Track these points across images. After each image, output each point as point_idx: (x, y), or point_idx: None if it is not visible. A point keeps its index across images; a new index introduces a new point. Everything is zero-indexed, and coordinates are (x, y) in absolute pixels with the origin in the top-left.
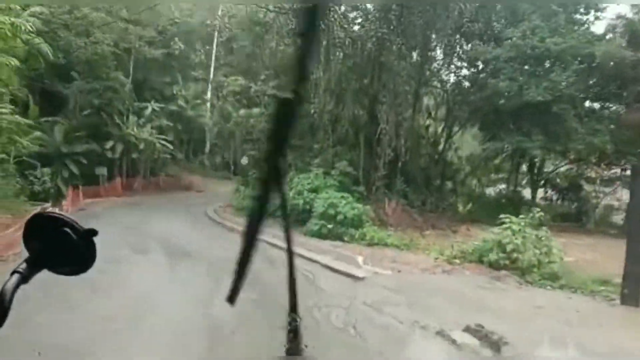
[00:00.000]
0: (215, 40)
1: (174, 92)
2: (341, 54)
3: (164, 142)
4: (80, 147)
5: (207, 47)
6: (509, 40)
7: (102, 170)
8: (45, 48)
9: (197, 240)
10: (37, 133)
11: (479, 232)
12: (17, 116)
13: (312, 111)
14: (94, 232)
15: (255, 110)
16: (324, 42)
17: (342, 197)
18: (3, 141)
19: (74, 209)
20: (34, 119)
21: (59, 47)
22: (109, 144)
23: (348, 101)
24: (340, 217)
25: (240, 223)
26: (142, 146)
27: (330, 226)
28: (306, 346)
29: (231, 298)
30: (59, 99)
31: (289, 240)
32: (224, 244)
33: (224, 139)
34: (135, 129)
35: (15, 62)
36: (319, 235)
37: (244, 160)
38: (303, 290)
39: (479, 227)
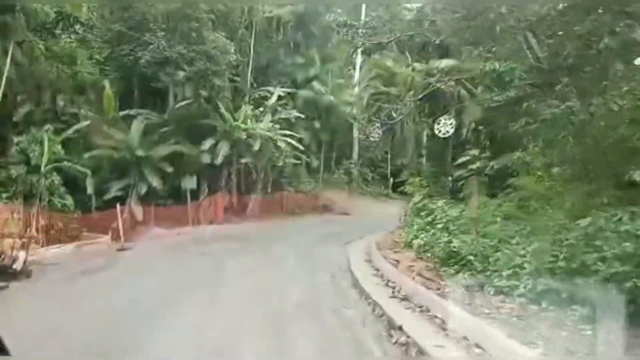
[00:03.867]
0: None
1: (310, 74)
2: None
3: (291, 141)
4: (164, 149)
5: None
6: None
7: (189, 183)
8: None
9: None
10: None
11: None
12: None
13: None
14: None
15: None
16: None
17: None
18: None
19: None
20: (110, 113)
21: None
22: (207, 144)
23: None
24: None
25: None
26: (257, 146)
27: None
28: None
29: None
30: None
31: None
32: None
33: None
34: (249, 122)
35: None
36: None
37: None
38: None
39: None
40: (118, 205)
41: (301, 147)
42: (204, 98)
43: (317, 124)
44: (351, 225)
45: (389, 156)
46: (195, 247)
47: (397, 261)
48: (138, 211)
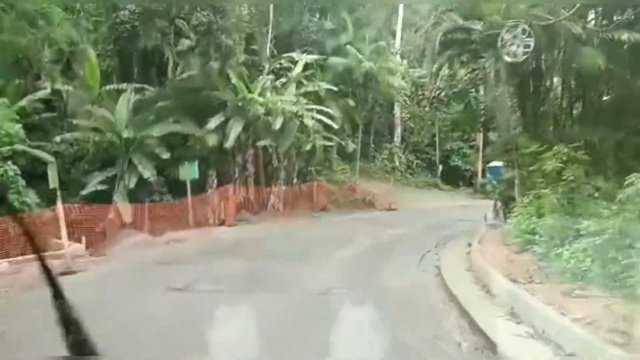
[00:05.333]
0: None
1: (342, 42)
2: None
3: (322, 117)
4: (160, 129)
5: None
6: None
7: (190, 172)
8: None
9: None
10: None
11: None
12: None
13: None
14: None
15: None
16: None
17: None
18: None
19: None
20: (94, 87)
21: None
22: (215, 122)
23: None
24: None
25: None
26: (278, 125)
27: None
28: None
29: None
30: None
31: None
32: None
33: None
34: (268, 95)
35: None
36: None
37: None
38: None
39: None
40: (59, 203)
41: (335, 126)
42: (214, 68)
43: (351, 102)
44: (408, 226)
45: (437, 139)
46: (176, 272)
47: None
48: (125, 210)
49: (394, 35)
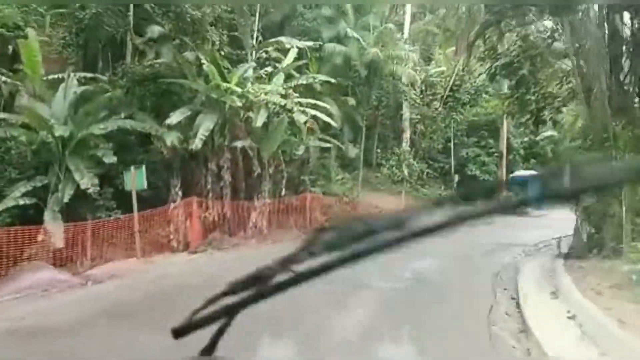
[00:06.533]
0: None
1: (340, 31)
2: None
3: (317, 113)
4: (105, 126)
5: None
6: None
7: (136, 180)
8: None
9: None
10: None
11: None
12: None
13: None
14: None
15: None
16: None
17: None
18: None
19: None
20: (35, 75)
21: None
22: (177, 116)
23: None
24: None
25: None
26: (260, 121)
27: None
28: None
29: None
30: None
31: None
32: None
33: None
34: (249, 85)
35: None
36: None
37: None
38: None
39: None
40: None
41: (333, 124)
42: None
43: (352, 100)
44: (433, 254)
45: (452, 144)
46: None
47: None
48: (57, 231)
49: (399, 26)
